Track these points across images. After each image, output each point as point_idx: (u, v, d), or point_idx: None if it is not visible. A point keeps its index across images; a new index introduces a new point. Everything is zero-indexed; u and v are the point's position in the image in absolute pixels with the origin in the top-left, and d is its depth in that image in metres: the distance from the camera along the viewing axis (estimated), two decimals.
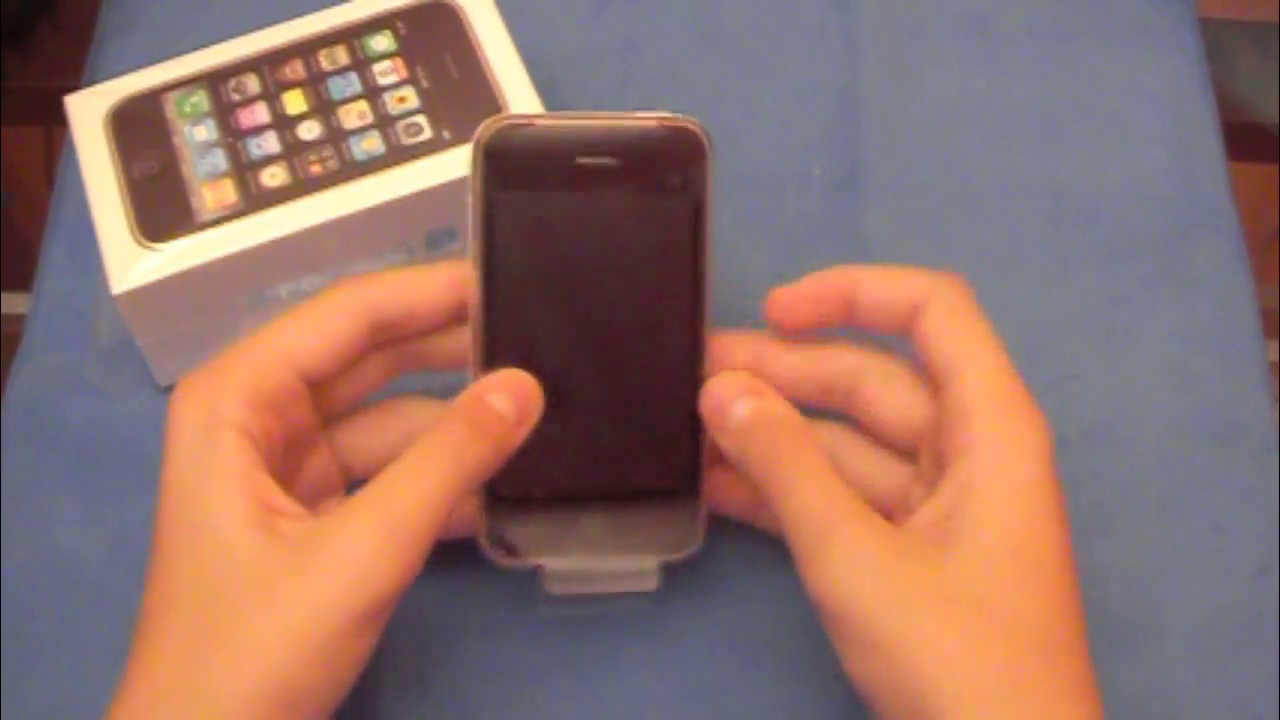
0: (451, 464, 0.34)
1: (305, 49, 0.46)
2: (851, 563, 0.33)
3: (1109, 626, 0.42)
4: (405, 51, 0.45)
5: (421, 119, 0.44)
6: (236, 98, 0.45)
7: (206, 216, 0.43)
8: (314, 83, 0.45)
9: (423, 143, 0.44)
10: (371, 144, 0.44)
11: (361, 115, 0.44)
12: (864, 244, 0.49)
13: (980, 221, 0.50)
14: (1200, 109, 0.52)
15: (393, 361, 0.39)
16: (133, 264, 0.42)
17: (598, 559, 0.39)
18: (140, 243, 0.42)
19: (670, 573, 0.40)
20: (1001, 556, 0.34)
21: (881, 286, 0.38)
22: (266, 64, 0.45)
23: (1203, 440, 0.46)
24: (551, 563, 0.39)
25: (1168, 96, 0.52)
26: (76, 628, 0.43)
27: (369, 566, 0.32)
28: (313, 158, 0.43)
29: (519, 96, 0.45)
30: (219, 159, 0.43)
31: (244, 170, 0.43)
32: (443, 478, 0.34)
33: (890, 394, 0.38)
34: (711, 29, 0.53)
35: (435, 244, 0.45)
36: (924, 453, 0.38)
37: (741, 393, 0.37)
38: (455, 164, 0.43)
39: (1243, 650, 0.42)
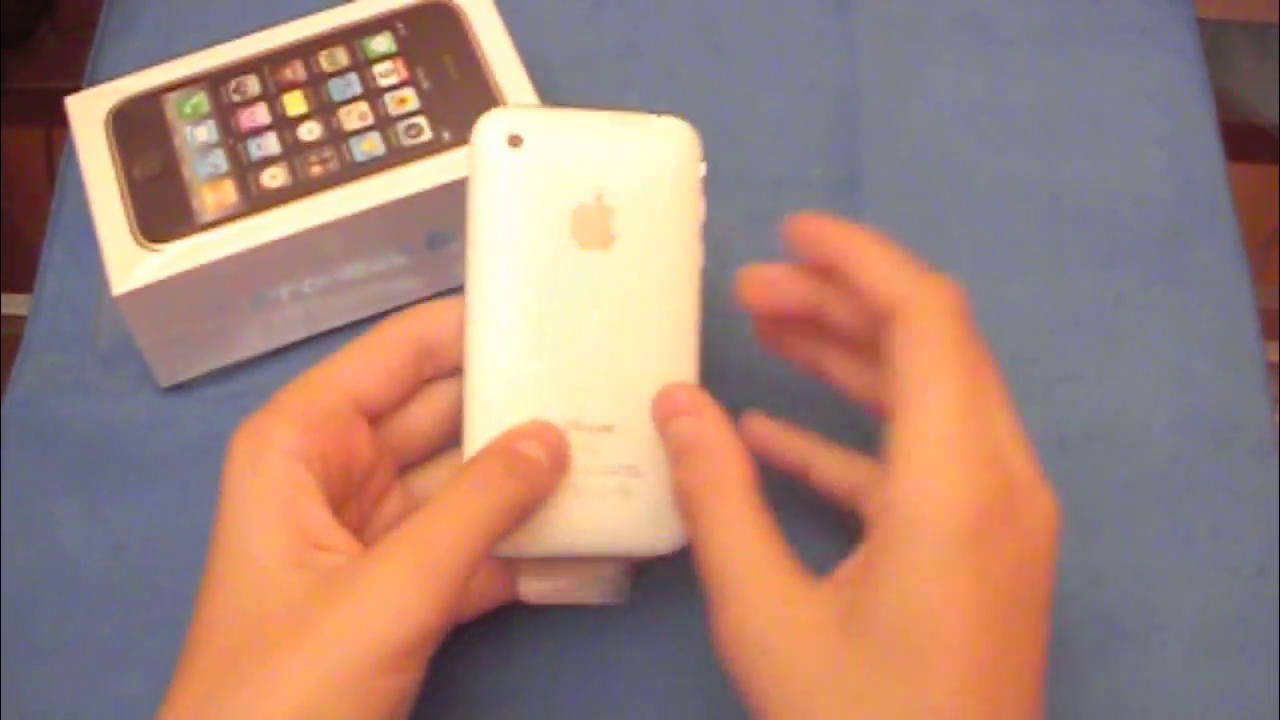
0: (487, 504, 0.34)
1: (305, 50, 0.46)
2: (743, 626, 0.33)
3: (1109, 626, 0.42)
4: (405, 52, 0.46)
5: (421, 120, 0.44)
6: (237, 99, 0.45)
7: (207, 218, 0.43)
8: (314, 84, 0.45)
9: (423, 144, 0.44)
10: (371, 145, 0.44)
11: (362, 116, 0.44)
12: None
13: (979, 222, 0.50)
14: (1199, 110, 0.52)
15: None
16: (133, 265, 0.42)
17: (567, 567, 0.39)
18: (141, 244, 0.42)
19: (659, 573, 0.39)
20: (896, 649, 0.31)
21: (867, 273, 0.34)
22: (267, 65, 0.45)
23: (1201, 441, 0.46)
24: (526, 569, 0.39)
25: (1167, 97, 0.52)
26: (76, 628, 0.43)
27: (400, 605, 0.32)
28: (313, 159, 0.43)
29: (519, 97, 0.45)
30: (219, 160, 0.44)
31: (244, 171, 0.43)
32: (477, 517, 0.34)
33: (841, 471, 0.38)
34: (710, 30, 0.54)
35: (436, 245, 0.45)
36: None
37: (681, 410, 0.36)
38: (455, 165, 0.43)
39: (1243, 650, 0.42)
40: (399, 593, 0.32)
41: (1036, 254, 0.49)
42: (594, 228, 0.37)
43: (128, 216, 0.43)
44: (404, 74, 0.45)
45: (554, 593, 0.39)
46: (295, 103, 0.45)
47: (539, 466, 0.36)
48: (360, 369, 0.37)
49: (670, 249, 0.38)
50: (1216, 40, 1.05)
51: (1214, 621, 0.43)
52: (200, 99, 0.45)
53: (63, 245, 0.50)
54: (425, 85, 0.45)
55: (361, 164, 0.43)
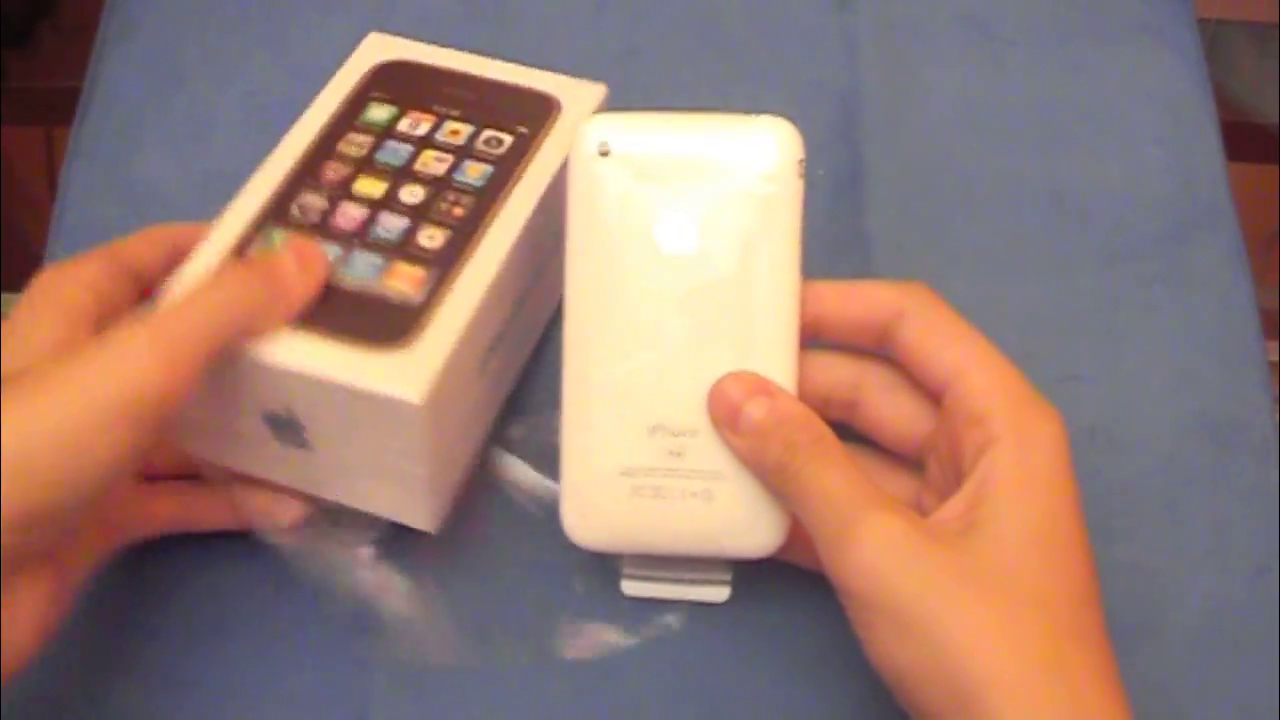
0: (228, 293, 0.37)
1: (325, 153, 0.43)
2: (882, 545, 0.34)
3: (1109, 626, 0.42)
4: (399, 101, 0.44)
5: (487, 132, 0.43)
6: (311, 217, 0.41)
7: (420, 299, 0.39)
8: (365, 166, 0.42)
9: (508, 150, 0.42)
10: (475, 171, 0.42)
11: (439, 159, 0.42)
12: (865, 244, 0.49)
13: (980, 221, 0.50)
14: (1200, 109, 0.52)
15: None
16: (401, 371, 0.38)
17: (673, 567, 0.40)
18: (379, 350, 0.38)
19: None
20: (1025, 544, 0.34)
21: (847, 303, 0.38)
22: (308, 177, 0.42)
23: (1203, 440, 0.46)
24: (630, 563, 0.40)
25: (1167, 97, 0.52)
26: (74, 630, 0.43)
27: (132, 364, 0.34)
28: (443, 206, 0.41)
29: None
30: (370, 258, 0.40)
31: (404, 249, 0.40)
32: (214, 303, 0.37)
33: (893, 404, 0.39)
34: (712, 31, 0.54)
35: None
36: (931, 462, 0.38)
37: (753, 392, 0.37)
38: (554, 152, 0.42)
39: (1243, 650, 0.42)
40: (136, 356, 0.34)
41: (1037, 253, 0.49)
42: (679, 234, 0.38)
43: (353, 347, 0.38)
44: (428, 115, 0.44)
45: (652, 589, 0.40)
46: (368, 186, 0.42)
47: (283, 268, 0.38)
48: (145, 250, 0.40)
49: (763, 252, 0.38)
50: (1216, 40, 1.05)
51: (1214, 621, 0.43)
52: (275, 233, 0.41)
53: (65, 250, 0.50)
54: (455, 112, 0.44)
55: (486, 187, 0.42)
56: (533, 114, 0.44)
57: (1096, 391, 0.46)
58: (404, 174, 0.42)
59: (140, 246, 0.41)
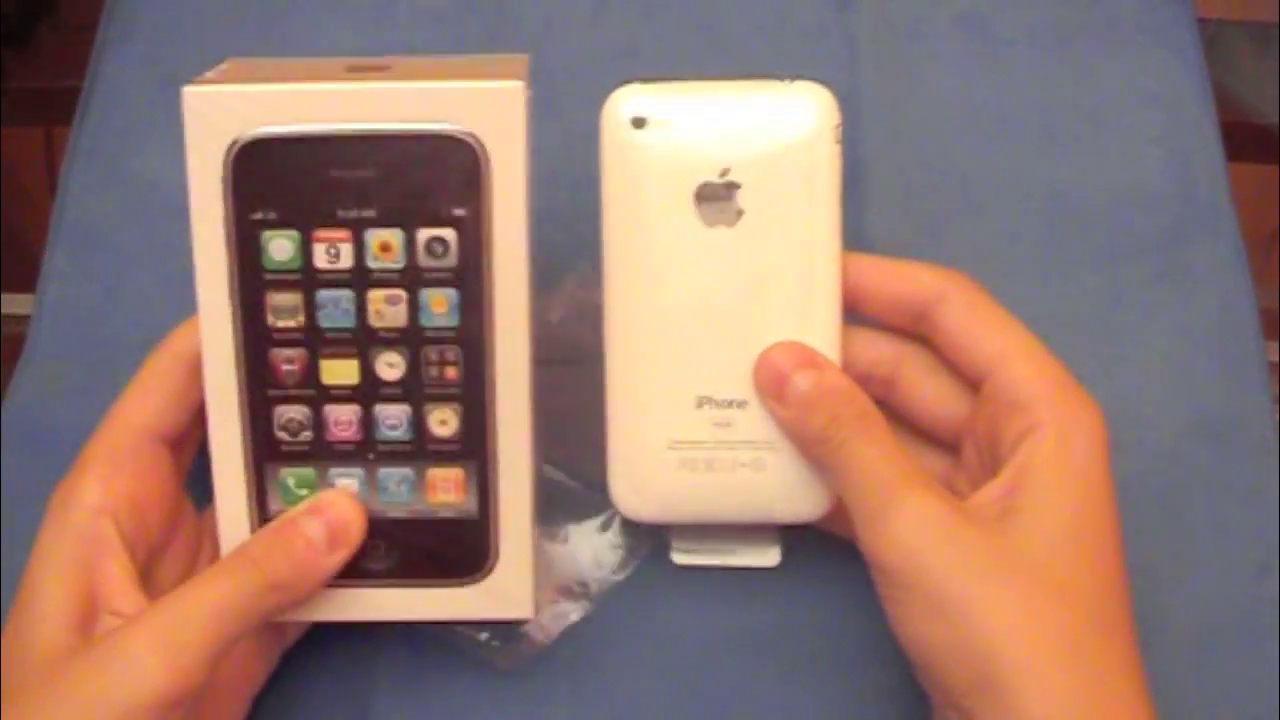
0: (240, 581, 0.35)
1: (259, 333, 0.37)
2: (918, 524, 0.34)
3: None
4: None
5: (422, 233, 0.37)
6: (303, 437, 0.38)
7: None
8: (316, 343, 0.37)
9: (461, 248, 0.37)
10: (440, 304, 0.37)
11: (390, 300, 0.37)
12: (866, 244, 0.49)
13: (980, 221, 0.50)
14: (1200, 109, 0.52)
15: None
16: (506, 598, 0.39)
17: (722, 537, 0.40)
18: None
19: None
20: (1059, 534, 0.34)
21: (889, 279, 0.39)
22: (266, 382, 0.38)
23: (1203, 440, 0.46)
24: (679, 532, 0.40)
25: (1167, 97, 0.52)
26: None
27: (137, 673, 0.33)
28: (435, 374, 0.37)
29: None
30: (397, 474, 0.38)
31: (423, 447, 0.38)
32: (227, 592, 0.35)
33: (932, 385, 0.39)
34: (712, 31, 0.53)
35: None
36: (967, 446, 0.38)
37: (801, 364, 0.37)
38: (510, 226, 0.37)
39: (1243, 650, 0.42)
40: (137, 661, 0.34)
41: (1036, 254, 0.49)
42: (718, 205, 0.38)
43: (439, 587, 0.39)
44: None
45: (703, 556, 0.40)
46: (337, 373, 0.37)
47: (313, 547, 0.37)
48: (147, 402, 0.38)
49: (803, 219, 0.38)
50: (1216, 40, 1.05)
51: (1214, 621, 0.43)
52: (307, 472, 0.38)
53: (65, 252, 0.50)
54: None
55: (463, 321, 0.37)
56: (459, 177, 0.36)
57: (1096, 391, 0.46)
58: (365, 337, 0.37)
59: (141, 407, 0.38)
